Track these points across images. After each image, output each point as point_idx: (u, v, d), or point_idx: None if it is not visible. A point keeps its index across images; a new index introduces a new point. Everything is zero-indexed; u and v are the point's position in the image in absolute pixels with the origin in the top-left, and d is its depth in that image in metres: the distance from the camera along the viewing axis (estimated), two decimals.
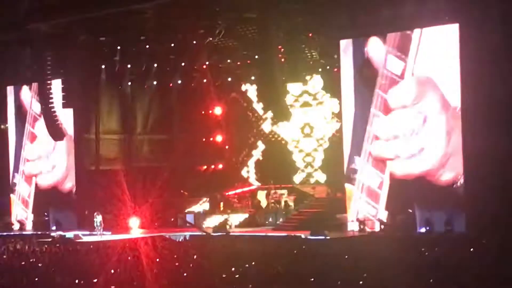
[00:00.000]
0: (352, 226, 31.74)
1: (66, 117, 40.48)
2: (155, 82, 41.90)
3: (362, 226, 31.30)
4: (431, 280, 15.91)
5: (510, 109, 28.45)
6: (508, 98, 28.56)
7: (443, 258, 19.96)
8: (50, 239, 33.84)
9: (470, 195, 29.11)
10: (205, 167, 43.66)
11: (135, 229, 37.41)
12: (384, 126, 31.62)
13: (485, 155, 28.13)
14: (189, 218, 39.09)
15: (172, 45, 39.85)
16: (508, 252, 20.13)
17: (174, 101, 42.53)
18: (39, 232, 38.77)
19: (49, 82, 39.81)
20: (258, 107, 41.72)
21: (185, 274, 18.44)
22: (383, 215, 31.18)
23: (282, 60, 36.13)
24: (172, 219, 39.58)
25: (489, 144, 28.08)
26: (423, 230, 29.91)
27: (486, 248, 21.87)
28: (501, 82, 28.62)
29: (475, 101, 28.93)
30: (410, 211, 30.48)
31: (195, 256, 22.33)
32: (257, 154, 41.88)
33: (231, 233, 33.05)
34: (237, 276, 18.06)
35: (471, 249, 21.45)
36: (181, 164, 41.23)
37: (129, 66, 41.19)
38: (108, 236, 34.99)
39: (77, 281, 17.74)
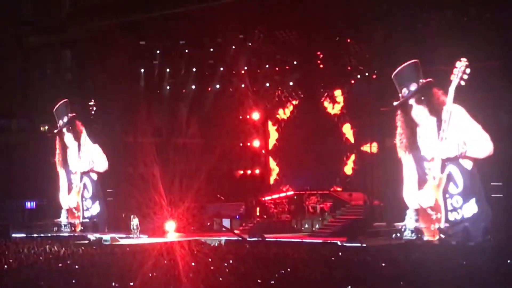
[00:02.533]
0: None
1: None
2: (193, 87, 41.99)
3: (419, 235, 30.97)
4: None
5: None
6: None
7: (479, 270, 19.74)
8: (87, 241, 34.08)
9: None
10: (241, 172, 43.68)
11: (171, 232, 37.50)
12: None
13: None
14: (225, 222, 39.10)
15: (211, 49, 39.97)
16: None
17: (212, 106, 42.53)
18: (76, 234, 39.18)
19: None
20: None
21: (220, 279, 18.42)
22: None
23: (321, 66, 36.09)
24: (208, 224, 39.68)
25: None
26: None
27: None
28: None
29: None
30: None
31: (231, 261, 22.31)
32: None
33: (267, 239, 32.98)
34: (272, 282, 18.01)
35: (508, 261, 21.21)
36: (218, 169, 41.25)
37: (168, 70, 41.39)
38: (144, 239, 35.14)
39: (113, 283, 17.80)
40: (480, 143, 29.84)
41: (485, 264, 20.65)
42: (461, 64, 29.59)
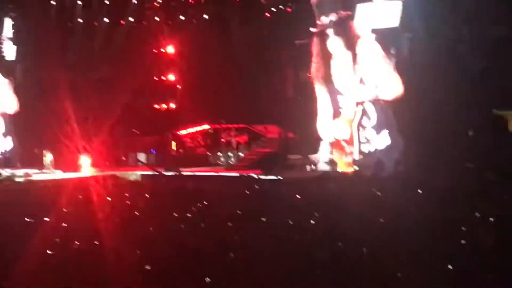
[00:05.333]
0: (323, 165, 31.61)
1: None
2: (106, 20, 41.27)
3: (333, 167, 31.19)
4: (381, 220, 16.04)
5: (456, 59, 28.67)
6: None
7: (393, 199, 20.15)
8: None
9: (420, 139, 29.42)
10: (157, 106, 43.42)
11: (86, 167, 37.19)
12: None
13: (432, 100, 28.31)
14: (141, 157, 38.95)
15: None
16: (453, 193, 20.42)
17: (126, 40, 41.92)
18: None
19: None
20: None
21: (136, 213, 18.38)
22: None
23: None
24: (124, 158, 39.46)
25: (436, 89, 28.19)
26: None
27: (434, 190, 22.16)
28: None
29: None
30: None
31: (147, 195, 22.27)
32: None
33: (183, 173, 33.00)
34: (189, 215, 18.05)
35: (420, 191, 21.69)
36: (133, 103, 40.92)
37: (79, 2, 40.54)
38: (58, 174, 34.77)
39: (27, 219, 17.58)
40: (391, 87, 30.21)
41: (397, 194, 21.07)
42: None
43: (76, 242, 14.80)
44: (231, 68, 40.67)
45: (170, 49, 41.90)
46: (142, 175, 32.84)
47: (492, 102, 29.77)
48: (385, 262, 12.30)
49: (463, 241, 13.78)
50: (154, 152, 39.78)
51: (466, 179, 23.58)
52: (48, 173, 35.05)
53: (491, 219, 15.78)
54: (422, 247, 13.07)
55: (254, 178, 30.07)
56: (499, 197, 18.69)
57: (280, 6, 36.90)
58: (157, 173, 33.39)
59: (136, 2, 40.37)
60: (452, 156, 26.74)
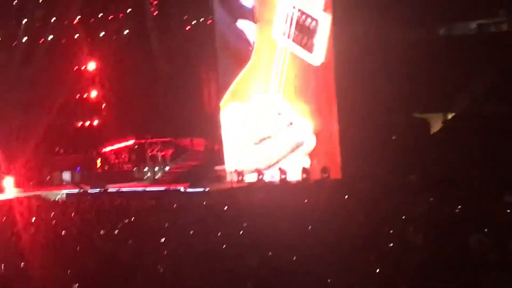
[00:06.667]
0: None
1: None
2: (25, 39, 40.73)
3: (260, 177, 30.99)
4: (309, 228, 16.13)
5: (383, 64, 29.03)
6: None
7: (321, 205, 20.30)
8: None
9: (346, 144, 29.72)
10: (80, 123, 42.98)
11: (9, 188, 36.59)
12: None
13: (358, 106, 28.61)
14: (66, 175, 38.50)
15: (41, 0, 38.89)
16: (379, 197, 20.71)
17: (46, 58, 41.39)
18: None
19: None
20: None
21: (63, 233, 18.15)
22: None
23: (155, 13, 35.78)
24: (48, 178, 38.92)
25: (363, 94, 28.51)
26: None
27: (361, 194, 22.44)
28: None
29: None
30: None
31: (72, 214, 22.01)
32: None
33: (109, 190, 32.71)
34: (116, 232, 17.90)
35: (346, 196, 21.92)
36: (56, 121, 40.39)
37: None
38: None
39: None
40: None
41: (323, 201, 21.25)
42: None
43: (1, 266, 14.57)
44: (155, 82, 40.54)
45: (92, 66, 41.49)
46: (68, 194, 32.47)
47: (414, 105, 30.30)
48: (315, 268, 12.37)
49: (389, 244, 13.95)
50: (79, 170, 39.32)
51: (390, 182, 23.90)
52: None
53: (414, 221, 16.05)
54: (350, 251, 13.19)
55: (181, 191, 30.04)
56: (421, 200, 19.01)
57: (202, 19, 36.93)
58: (83, 191, 33.07)
59: (54, 20, 39.90)
60: (377, 160, 27.09)
